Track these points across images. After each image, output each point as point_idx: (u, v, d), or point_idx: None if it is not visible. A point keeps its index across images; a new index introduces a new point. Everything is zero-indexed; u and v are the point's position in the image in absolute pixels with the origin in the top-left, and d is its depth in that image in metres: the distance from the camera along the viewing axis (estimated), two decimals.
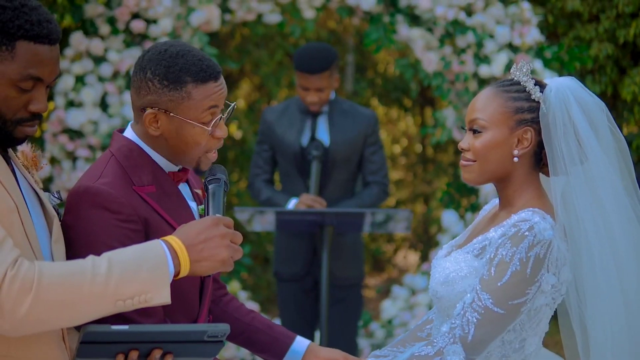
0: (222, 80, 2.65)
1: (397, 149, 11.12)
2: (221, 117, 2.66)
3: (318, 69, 5.20)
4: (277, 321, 5.77)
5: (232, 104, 2.71)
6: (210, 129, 2.62)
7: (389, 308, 6.99)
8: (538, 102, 2.73)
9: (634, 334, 2.71)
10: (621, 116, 6.74)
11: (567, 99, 2.72)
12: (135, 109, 2.68)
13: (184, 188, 2.77)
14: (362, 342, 6.78)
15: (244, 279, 7.32)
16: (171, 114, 2.60)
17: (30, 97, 2.38)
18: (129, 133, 2.70)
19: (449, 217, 6.60)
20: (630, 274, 2.71)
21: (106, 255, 2.33)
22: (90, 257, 2.33)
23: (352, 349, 5.39)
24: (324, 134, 5.35)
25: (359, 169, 5.45)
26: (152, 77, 2.60)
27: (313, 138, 5.34)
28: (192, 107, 2.60)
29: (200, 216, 2.75)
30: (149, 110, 2.62)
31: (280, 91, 9.51)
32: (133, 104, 2.68)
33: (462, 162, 2.80)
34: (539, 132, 2.73)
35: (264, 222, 5.26)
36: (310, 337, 5.02)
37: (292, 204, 5.22)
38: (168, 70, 2.59)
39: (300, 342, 2.94)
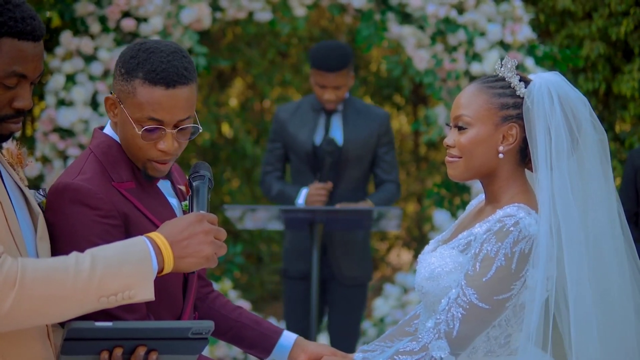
0: (175, 93, 2.53)
1: None
2: (167, 131, 2.56)
3: (337, 66, 5.19)
4: (281, 322, 5.75)
5: (198, 127, 2.62)
6: (140, 133, 2.55)
7: (381, 306, 6.99)
8: (523, 98, 2.73)
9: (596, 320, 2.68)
10: (614, 114, 6.74)
11: (550, 95, 2.71)
12: None
13: (164, 184, 2.75)
14: None
15: (236, 278, 7.30)
16: (121, 105, 2.59)
17: (14, 94, 2.38)
18: (107, 129, 2.70)
19: (440, 215, 6.60)
20: (579, 265, 2.68)
21: (90, 251, 2.33)
22: (74, 254, 2.32)
23: (352, 347, 5.37)
24: (337, 133, 5.34)
25: (371, 168, 5.44)
26: (118, 63, 2.61)
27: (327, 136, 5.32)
28: (136, 107, 2.55)
29: (184, 212, 2.75)
30: (108, 95, 2.62)
31: (273, 90, 9.50)
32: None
33: (448, 158, 2.80)
34: (524, 128, 2.72)
35: (255, 219, 5.25)
36: (316, 335, 5.04)
37: (303, 193, 5.21)
38: (129, 60, 2.57)
39: (288, 337, 2.93)
